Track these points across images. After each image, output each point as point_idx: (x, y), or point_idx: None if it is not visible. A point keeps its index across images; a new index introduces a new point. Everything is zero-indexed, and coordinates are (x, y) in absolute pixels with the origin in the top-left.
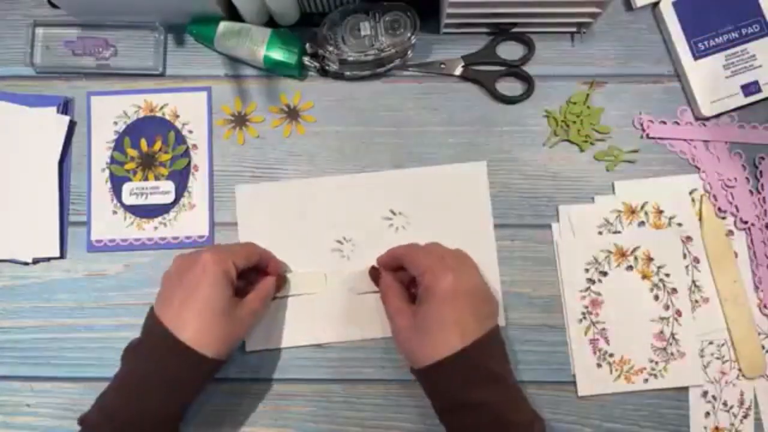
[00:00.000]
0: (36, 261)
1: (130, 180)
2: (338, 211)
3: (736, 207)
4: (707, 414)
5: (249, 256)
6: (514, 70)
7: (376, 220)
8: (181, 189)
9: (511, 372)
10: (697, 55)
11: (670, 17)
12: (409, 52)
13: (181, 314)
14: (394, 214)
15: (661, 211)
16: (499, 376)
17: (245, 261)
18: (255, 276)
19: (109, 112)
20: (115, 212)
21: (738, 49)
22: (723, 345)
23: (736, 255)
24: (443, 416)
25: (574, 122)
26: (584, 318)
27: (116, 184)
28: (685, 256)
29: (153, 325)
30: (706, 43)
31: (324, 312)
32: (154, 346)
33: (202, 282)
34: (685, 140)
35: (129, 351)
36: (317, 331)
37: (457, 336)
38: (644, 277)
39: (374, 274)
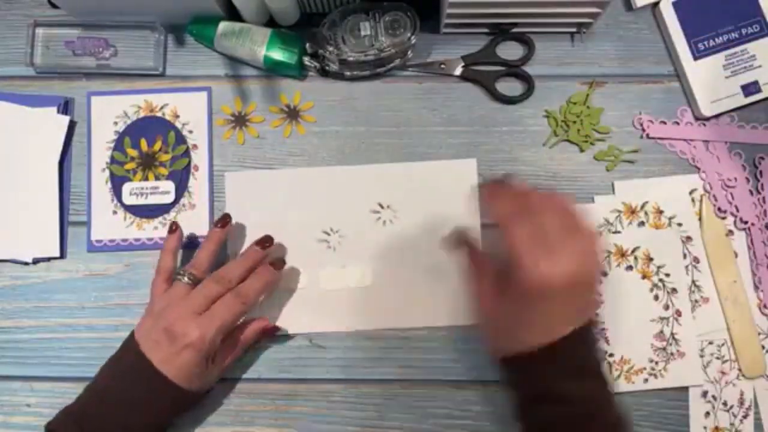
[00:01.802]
0: (36, 261)
1: (130, 180)
2: (327, 202)
3: (736, 207)
4: (707, 414)
5: (235, 320)
6: (514, 70)
7: (364, 213)
8: (181, 189)
9: (601, 367)
10: (697, 55)
11: (670, 17)
12: (409, 52)
13: (168, 360)
14: (382, 207)
15: (661, 211)
16: (587, 371)
17: (232, 325)
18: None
19: (109, 112)
20: (115, 212)
21: (738, 49)
22: (723, 345)
23: (736, 255)
24: (525, 408)
25: (574, 122)
26: None
27: (116, 184)
28: (685, 256)
29: (134, 353)
30: (705, 43)
31: (314, 303)
32: (133, 369)
33: (188, 354)
34: (685, 140)
35: (106, 366)
36: (305, 321)
37: (545, 333)
38: (644, 277)
39: (459, 239)
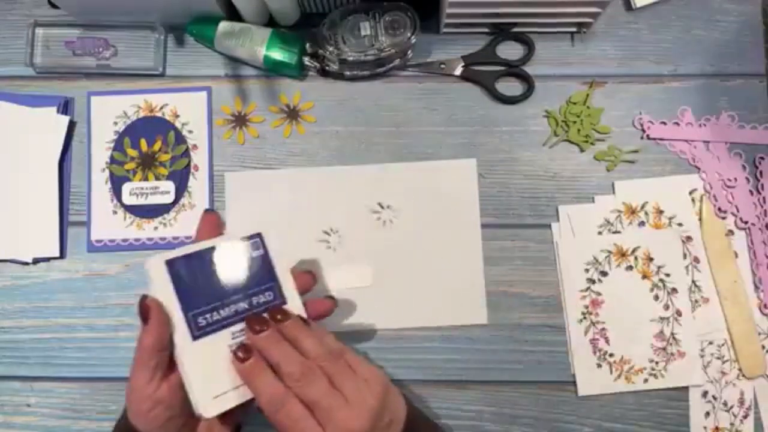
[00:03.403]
0: (36, 261)
1: (130, 180)
2: (327, 202)
3: (736, 207)
4: (707, 414)
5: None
6: (514, 70)
7: (364, 213)
8: (181, 189)
9: None
10: (197, 333)
11: (163, 281)
12: (409, 52)
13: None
14: (382, 207)
15: (661, 211)
16: None
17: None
18: None
19: (109, 112)
20: (115, 212)
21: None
22: (723, 345)
23: (736, 255)
24: None
25: (574, 122)
26: (584, 318)
27: (116, 184)
28: (685, 256)
29: None
30: (208, 317)
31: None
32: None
33: None
34: (685, 140)
35: None
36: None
37: None
38: (644, 277)
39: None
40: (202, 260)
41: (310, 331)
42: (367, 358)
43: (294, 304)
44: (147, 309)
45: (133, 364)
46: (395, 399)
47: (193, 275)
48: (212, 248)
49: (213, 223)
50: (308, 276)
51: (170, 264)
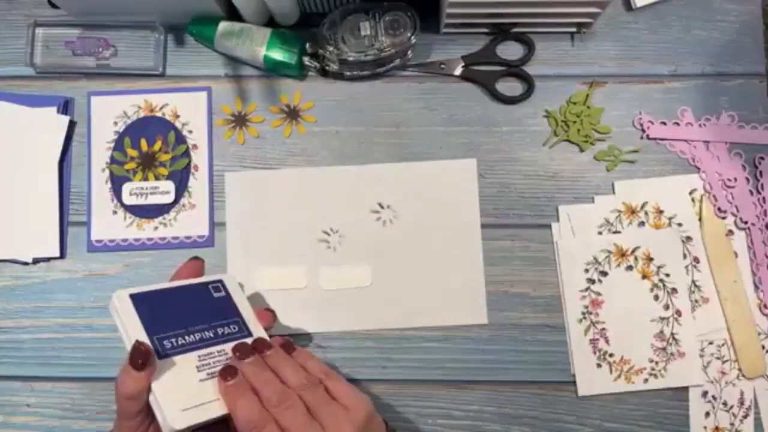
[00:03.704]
0: (36, 261)
1: (130, 180)
2: (327, 202)
3: (736, 207)
4: (707, 414)
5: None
6: (514, 70)
7: (364, 213)
8: (181, 189)
9: None
10: (163, 354)
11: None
12: (409, 52)
13: None
14: (382, 207)
15: (661, 211)
16: None
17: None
18: None
19: (109, 112)
20: (115, 212)
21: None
22: (723, 345)
23: (736, 255)
24: None
25: (574, 122)
26: (584, 318)
27: (116, 184)
28: (685, 256)
29: None
30: (173, 341)
31: (315, 303)
32: None
33: None
34: (685, 140)
35: None
36: (305, 321)
37: None
38: (644, 277)
39: None
40: (166, 297)
41: (291, 360)
42: (353, 383)
43: (260, 336)
44: (148, 354)
45: (118, 415)
46: (378, 427)
47: (157, 308)
48: (175, 288)
49: (195, 269)
50: (269, 313)
51: (134, 297)
